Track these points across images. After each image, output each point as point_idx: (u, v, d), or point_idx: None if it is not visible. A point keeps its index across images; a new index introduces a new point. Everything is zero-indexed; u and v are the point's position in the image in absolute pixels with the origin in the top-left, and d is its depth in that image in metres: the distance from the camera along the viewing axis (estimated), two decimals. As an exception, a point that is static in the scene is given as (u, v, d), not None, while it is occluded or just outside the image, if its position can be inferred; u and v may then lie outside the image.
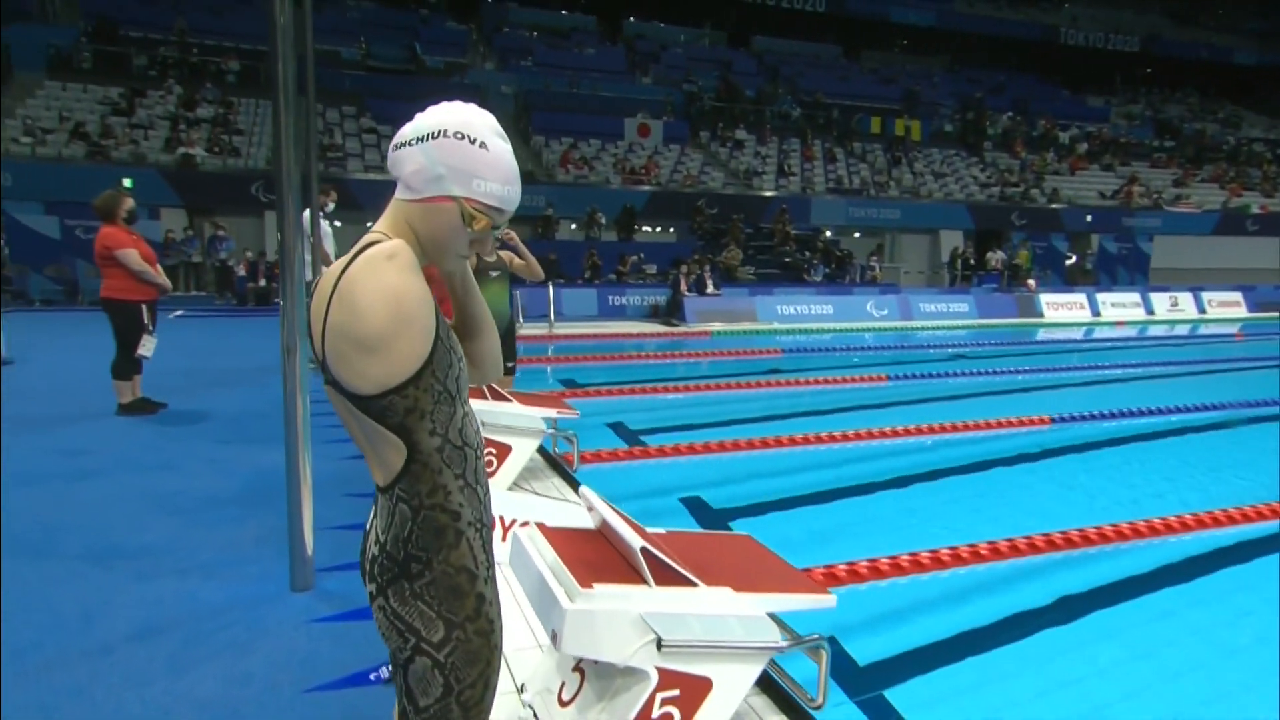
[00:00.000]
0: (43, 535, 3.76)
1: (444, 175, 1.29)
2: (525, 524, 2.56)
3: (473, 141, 1.29)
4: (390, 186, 1.37)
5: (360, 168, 20.73)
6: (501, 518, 3.36)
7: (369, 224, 1.40)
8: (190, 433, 5.73)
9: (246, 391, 7.25)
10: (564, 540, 2.26)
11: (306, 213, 7.58)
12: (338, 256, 9.65)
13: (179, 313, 13.95)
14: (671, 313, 15.96)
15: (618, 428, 6.71)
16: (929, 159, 27.95)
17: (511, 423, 4.46)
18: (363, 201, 19.24)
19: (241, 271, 16.67)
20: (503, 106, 25.18)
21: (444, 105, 1.34)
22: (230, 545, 3.72)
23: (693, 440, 6.14)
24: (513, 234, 5.28)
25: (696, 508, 4.77)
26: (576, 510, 4.12)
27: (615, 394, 8.44)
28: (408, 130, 1.31)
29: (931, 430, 6.72)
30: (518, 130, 24.73)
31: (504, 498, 3.48)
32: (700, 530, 2.41)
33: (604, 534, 2.31)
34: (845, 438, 6.40)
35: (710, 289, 16.47)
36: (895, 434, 6.59)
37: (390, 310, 1.18)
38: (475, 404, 4.46)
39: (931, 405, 8.07)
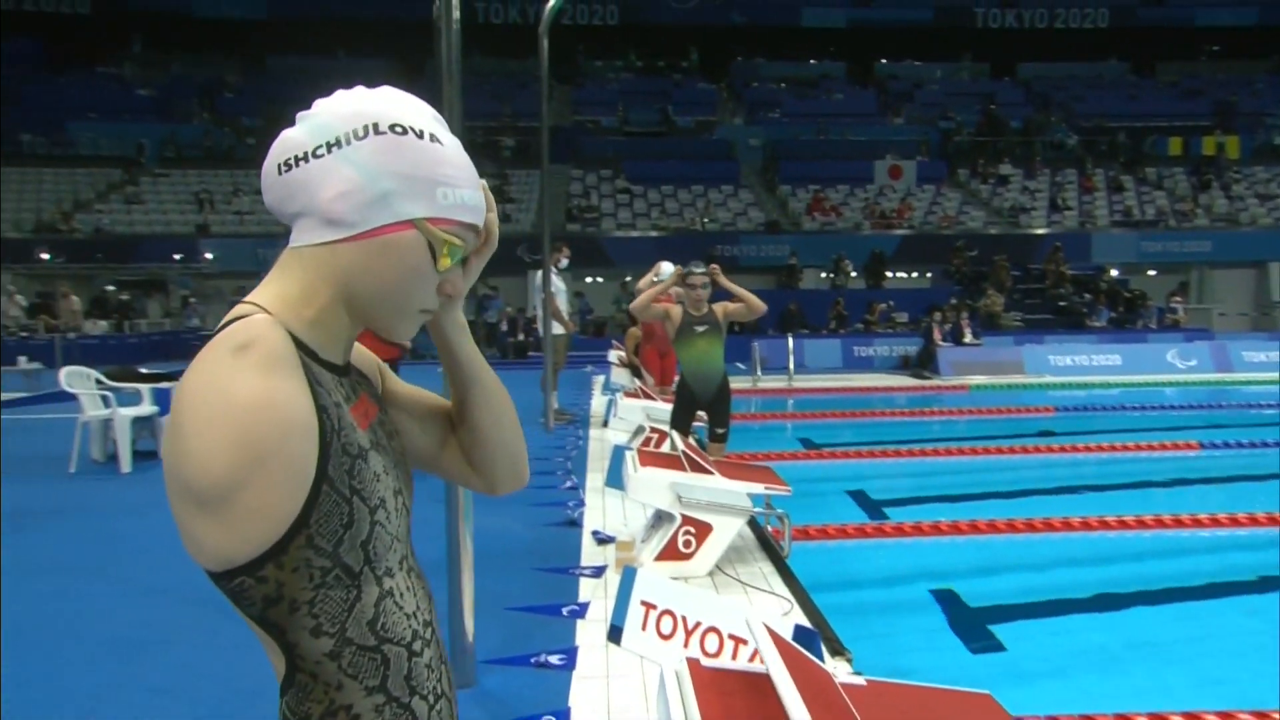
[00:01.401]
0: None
1: (392, 191, 0.81)
2: (676, 661, 1.97)
3: (420, 134, 0.83)
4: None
5: (613, 226, 21.89)
6: (687, 618, 2.89)
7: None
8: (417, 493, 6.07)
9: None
10: (715, 696, 1.75)
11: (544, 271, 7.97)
12: (570, 312, 9.99)
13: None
14: (924, 364, 14.75)
15: (859, 496, 6.12)
16: (1252, 179, 23.72)
17: (714, 499, 4.10)
18: (615, 258, 20.30)
19: (504, 327, 18.13)
20: (750, 159, 25.45)
21: (345, 93, 0.85)
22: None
23: (947, 517, 5.37)
24: (716, 268, 4.90)
25: (949, 603, 4.09)
26: (779, 605, 3.73)
27: (857, 456, 7.77)
28: (300, 136, 0.82)
29: (1272, 520, 5.32)
30: (764, 182, 24.81)
31: (690, 592, 3.03)
32: (922, 685, 1.80)
33: (774, 684, 1.67)
34: (1143, 523, 5.26)
35: (969, 338, 15.04)
36: (1218, 522, 5.31)
37: (228, 442, 0.69)
38: (672, 475, 4.19)
39: (1265, 483, 6.47)
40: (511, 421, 1.05)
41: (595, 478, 5.84)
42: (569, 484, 5.79)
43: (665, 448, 4.98)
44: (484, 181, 0.91)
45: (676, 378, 5.24)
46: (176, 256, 20.24)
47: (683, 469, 4.27)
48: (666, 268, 7.26)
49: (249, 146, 24.84)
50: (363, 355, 0.98)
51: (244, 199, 22.39)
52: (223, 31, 29.47)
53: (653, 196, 23.43)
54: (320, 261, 0.82)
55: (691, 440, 4.90)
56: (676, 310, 4.95)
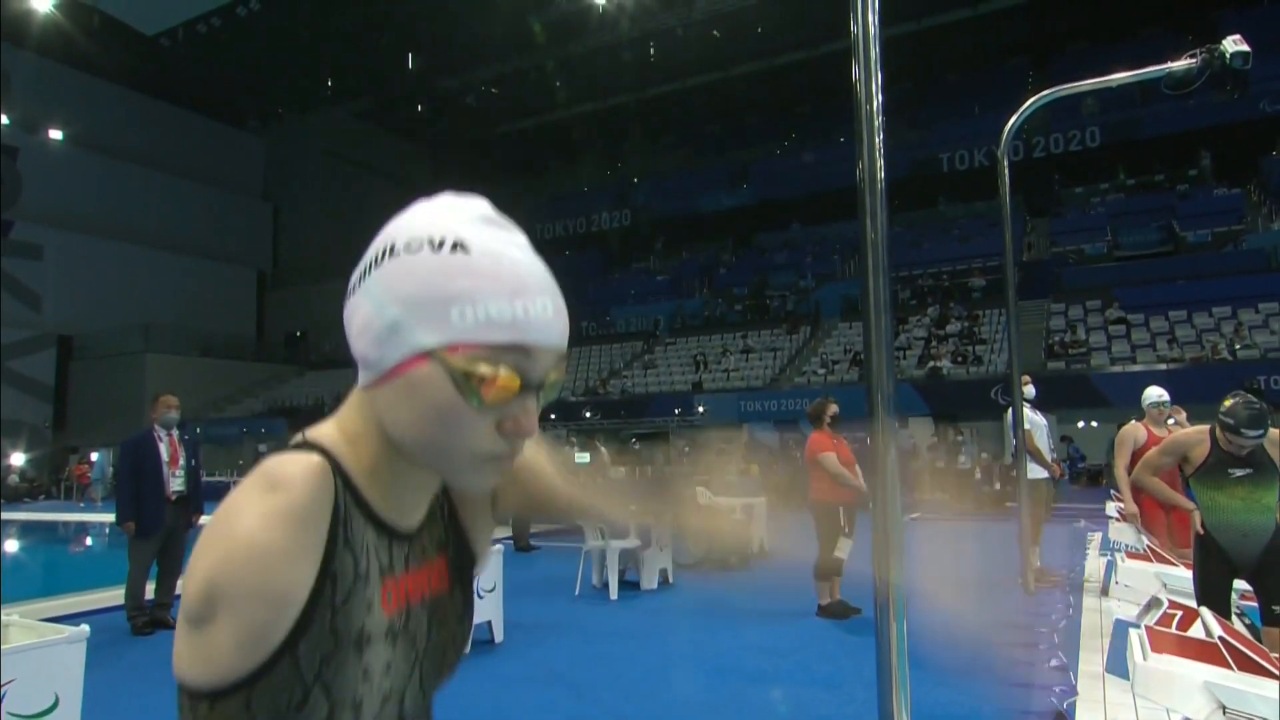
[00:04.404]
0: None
1: (400, 320, 0.69)
2: None
3: (438, 246, 0.69)
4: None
5: (1106, 361, 19.10)
6: None
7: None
8: (865, 645, 5.54)
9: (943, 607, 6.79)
10: None
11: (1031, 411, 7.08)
12: (1057, 457, 8.61)
13: (914, 515, 14.53)
14: None
15: None
16: None
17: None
18: (1111, 398, 17.55)
19: (977, 475, 16.66)
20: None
21: (410, 210, 0.74)
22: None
23: None
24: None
25: None
26: None
27: None
28: (356, 270, 0.74)
29: None
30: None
31: None
32: None
33: None
34: None
35: None
36: None
37: (206, 574, 0.64)
38: (1206, 671, 3.07)
39: None
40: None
41: (1090, 659, 4.74)
42: (1055, 663, 4.79)
43: (1195, 630, 3.82)
44: (553, 299, 0.72)
45: (1196, 534, 3.91)
46: (676, 411, 23.29)
47: (1224, 664, 3.17)
48: (1154, 392, 6.07)
49: (737, 313, 28.33)
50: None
51: (731, 358, 25.10)
52: (720, 220, 34.65)
53: (1156, 325, 20.00)
54: (364, 405, 0.74)
55: (1239, 623, 3.69)
56: (1199, 448, 3.73)
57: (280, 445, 0.77)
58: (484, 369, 0.68)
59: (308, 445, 0.73)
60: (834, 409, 6.39)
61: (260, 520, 0.65)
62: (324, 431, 0.75)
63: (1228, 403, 3.61)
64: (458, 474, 0.73)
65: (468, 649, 0.91)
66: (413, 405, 0.69)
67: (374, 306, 0.70)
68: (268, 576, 0.64)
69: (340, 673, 0.69)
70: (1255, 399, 3.63)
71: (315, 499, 0.67)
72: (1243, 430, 3.52)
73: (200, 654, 0.66)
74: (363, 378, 0.74)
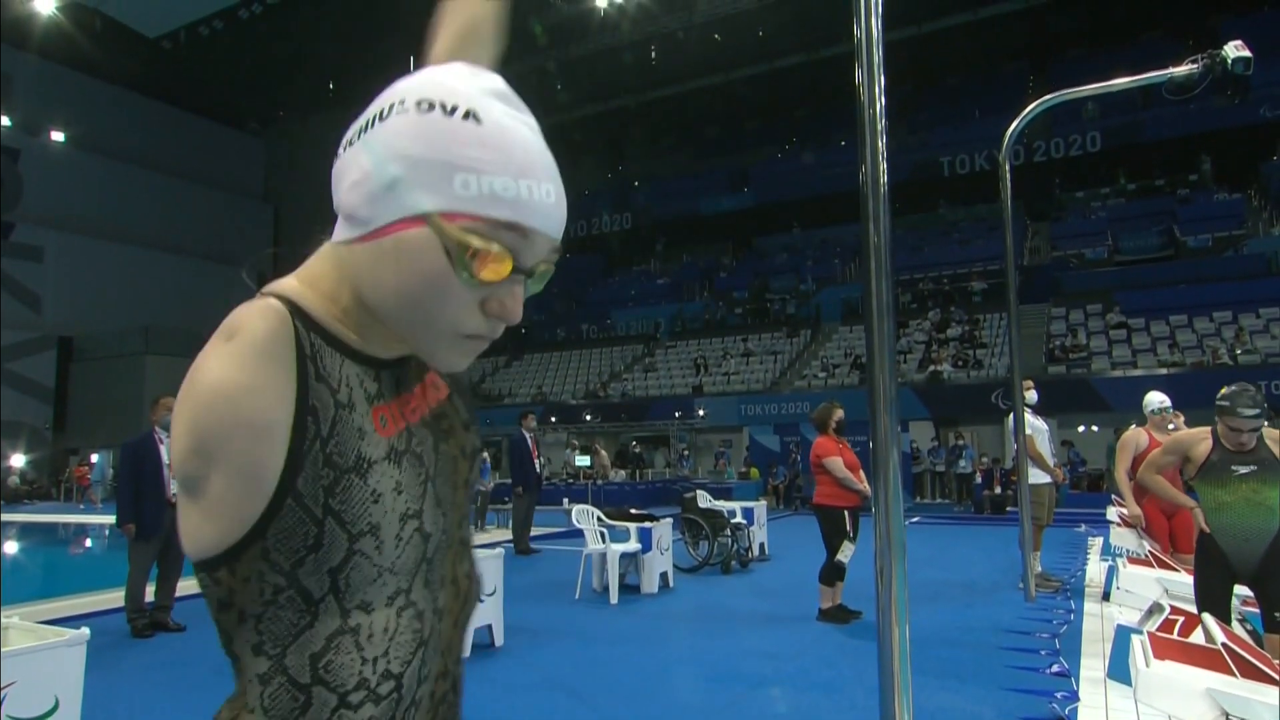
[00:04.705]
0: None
1: (400, 179, 0.66)
2: None
3: (450, 111, 0.66)
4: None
5: (1106, 365, 19.11)
6: None
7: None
8: (865, 650, 5.52)
9: (945, 610, 6.76)
10: None
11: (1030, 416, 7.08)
12: (1059, 462, 8.59)
13: (915, 519, 14.51)
14: None
15: None
16: None
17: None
18: (1112, 402, 17.55)
19: (977, 479, 16.65)
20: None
21: (421, 71, 0.72)
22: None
23: None
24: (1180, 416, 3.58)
25: None
26: None
27: None
28: (355, 123, 0.71)
29: None
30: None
31: None
32: None
33: None
34: None
35: None
36: None
37: (185, 430, 0.65)
38: (1209, 678, 3.05)
39: None
40: None
41: (1092, 665, 4.74)
42: (1056, 669, 4.78)
43: (1196, 636, 3.81)
44: (556, 187, 0.70)
45: (1198, 533, 3.84)
46: (676, 414, 23.27)
47: (1227, 670, 3.15)
48: (1155, 398, 6.11)
49: (738, 316, 28.35)
50: None
51: (731, 361, 25.09)
52: (721, 223, 34.63)
53: (1156, 329, 20.01)
54: (341, 260, 0.73)
55: (1241, 629, 3.67)
56: (1201, 446, 3.65)
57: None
58: (479, 242, 0.66)
59: (264, 296, 0.73)
60: (839, 414, 6.42)
61: (222, 364, 0.65)
62: (283, 283, 0.75)
63: (1224, 390, 3.58)
64: (432, 347, 0.72)
65: (483, 456, 0.91)
66: (398, 267, 0.68)
67: (374, 161, 0.68)
68: (241, 411, 0.64)
69: (347, 501, 0.68)
70: (1251, 386, 3.61)
71: (272, 336, 0.67)
72: (1240, 410, 3.47)
73: (206, 515, 0.67)
74: (343, 231, 0.72)
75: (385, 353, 0.76)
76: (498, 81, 0.71)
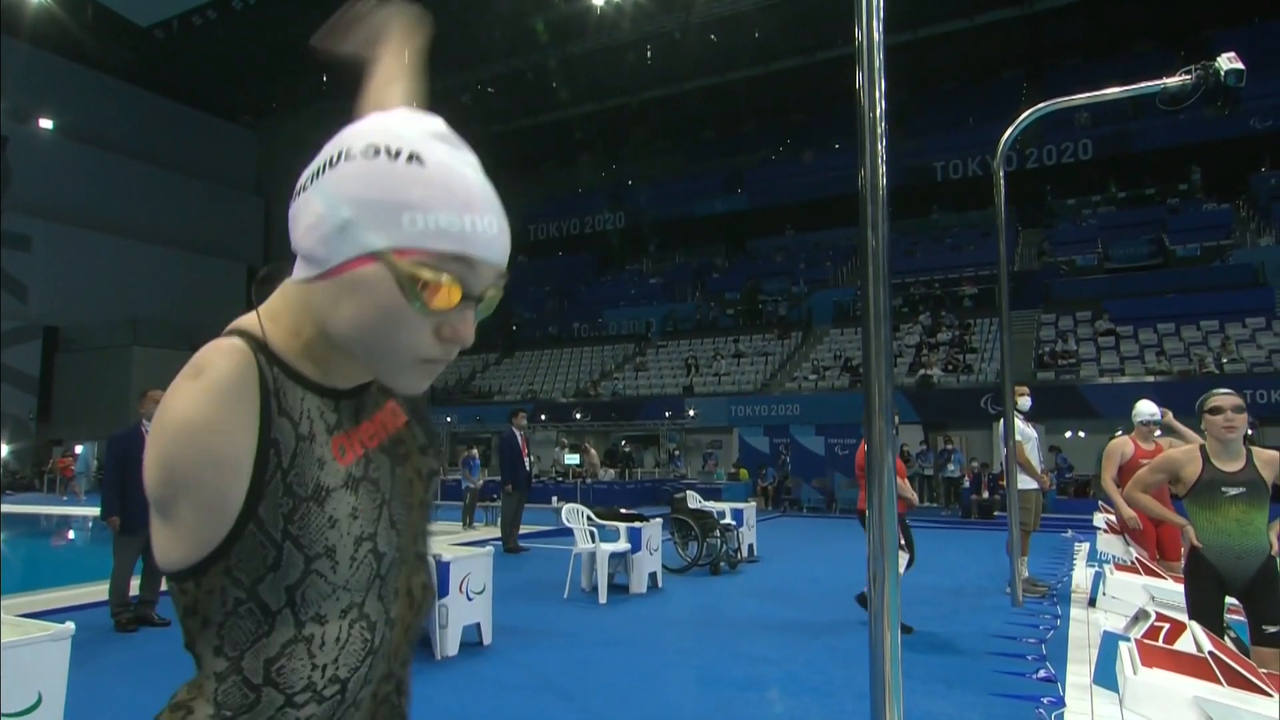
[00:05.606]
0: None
1: (351, 221, 0.72)
2: None
3: (394, 155, 0.72)
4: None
5: (1095, 372, 19.23)
6: None
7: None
8: (854, 653, 5.53)
9: (932, 615, 6.80)
10: None
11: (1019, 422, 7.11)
12: (1046, 468, 8.65)
13: (908, 524, 14.53)
14: None
15: None
16: None
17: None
18: (1100, 409, 17.66)
19: (966, 483, 16.71)
20: (1285, 282, 20.52)
21: (366, 119, 0.77)
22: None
23: None
24: (1168, 412, 3.58)
25: None
26: None
27: None
28: (307, 170, 0.78)
29: None
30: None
31: None
32: None
33: None
34: None
35: None
36: None
37: (157, 462, 0.72)
38: (1195, 686, 3.08)
39: None
40: None
41: (1078, 670, 4.76)
42: (1042, 674, 4.80)
43: (1183, 643, 3.83)
44: (498, 218, 0.76)
45: (1186, 550, 3.80)
46: (667, 414, 23.26)
47: (1213, 679, 3.17)
48: (1146, 408, 6.03)
49: (729, 317, 28.34)
50: None
51: (722, 362, 25.10)
52: (714, 224, 34.62)
53: (1145, 337, 20.14)
54: (301, 299, 0.79)
55: (1229, 640, 3.68)
56: (1191, 467, 3.57)
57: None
58: (429, 275, 0.72)
59: (230, 334, 0.79)
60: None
61: (188, 402, 0.71)
62: (246, 320, 0.80)
63: (1203, 396, 3.60)
64: (392, 372, 0.78)
65: (441, 474, 0.96)
66: (356, 302, 0.73)
67: (326, 205, 0.73)
68: (207, 447, 0.71)
69: (305, 526, 0.75)
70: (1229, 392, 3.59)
71: (237, 375, 0.73)
72: (1217, 391, 3.50)
73: (175, 536, 0.74)
74: (302, 270, 0.77)
75: (345, 383, 0.82)
76: (438, 124, 0.77)
